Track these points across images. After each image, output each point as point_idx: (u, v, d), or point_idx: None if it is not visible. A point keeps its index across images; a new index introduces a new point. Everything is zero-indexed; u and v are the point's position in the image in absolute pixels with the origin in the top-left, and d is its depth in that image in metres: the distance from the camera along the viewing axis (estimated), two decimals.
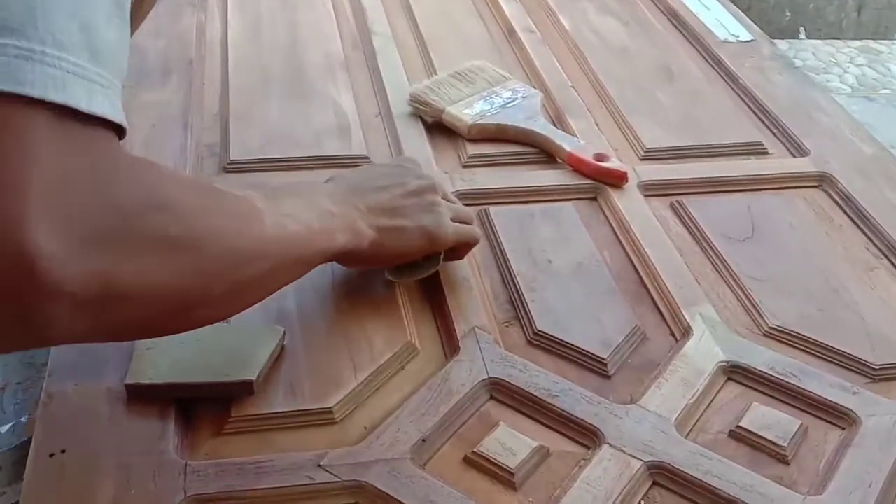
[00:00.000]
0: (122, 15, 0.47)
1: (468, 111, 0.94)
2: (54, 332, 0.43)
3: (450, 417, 0.62)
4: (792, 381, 0.66)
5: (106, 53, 0.45)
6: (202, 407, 0.62)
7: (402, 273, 0.72)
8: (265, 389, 0.63)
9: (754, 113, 1.02)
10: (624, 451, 0.60)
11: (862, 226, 0.84)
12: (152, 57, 1.02)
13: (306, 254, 0.60)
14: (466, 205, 0.84)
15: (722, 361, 0.68)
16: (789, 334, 0.71)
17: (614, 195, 0.85)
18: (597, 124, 0.97)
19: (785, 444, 0.62)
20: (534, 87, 1.02)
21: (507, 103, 0.96)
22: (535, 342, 0.70)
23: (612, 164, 0.88)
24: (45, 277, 0.41)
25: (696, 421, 0.64)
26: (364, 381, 0.64)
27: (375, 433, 0.60)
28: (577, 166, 0.89)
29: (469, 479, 0.59)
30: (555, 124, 0.96)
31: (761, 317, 0.73)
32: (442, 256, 0.72)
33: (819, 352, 0.70)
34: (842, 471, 0.60)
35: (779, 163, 0.93)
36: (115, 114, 0.45)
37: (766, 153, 0.95)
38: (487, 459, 0.59)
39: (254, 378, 0.62)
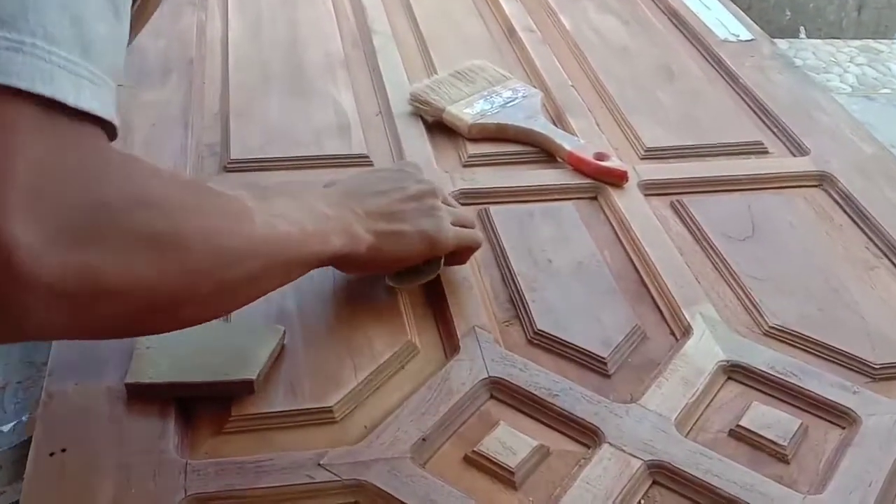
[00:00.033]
0: (117, 13, 0.47)
1: (468, 110, 0.94)
2: (30, 324, 0.43)
3: (450, 416, 0.62)
4: (792, 381, 0.66)
5: (98, 50, 0.45)
6: (202, 406, 0.62)
7: (402, 279, 0.71)
8: (265, 389, 0.63)
9: (754, 112, 1.02)
10: (624, 451, 0.60)
11: (862, 225, 0.84)
12: (152, 56, 1.02)
13: (299, 256, 0.59)
14: (467, 204, 0.84)
15: (722, 361, 0.68)
16: (789, 333, 0.71)
17: (614, 194, 0.85)
18: (597, 124, 0.97)
19: (785, 444, 0.62)
20: (534, 87, 1.02)
21: (508, 103, 0.96)
22: (536, 341, 0.70)
23: (613, 163, 0.88)
24: (21, 268, 0.41)
25: (697, 420, 0.64)
26: (364, 380, 0.64)
27: (375, 432, 0.61)
28: (578, 166, 0.89)
29: (469, 479, 0.59)
30: (555, 124, 0.96)
31: (761, 316, 0.73)
32: (443, 261, 0.71)
33: (819, 351, 0.70)
34: (842, 470, 0.60)
35: (779, 162, 0.93)
36: (104, 110, 0.45)
37: (767, 153, 0.95)
38: (487, 458, 0.59)
39: (254, 377, 0.62)
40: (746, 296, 0.75)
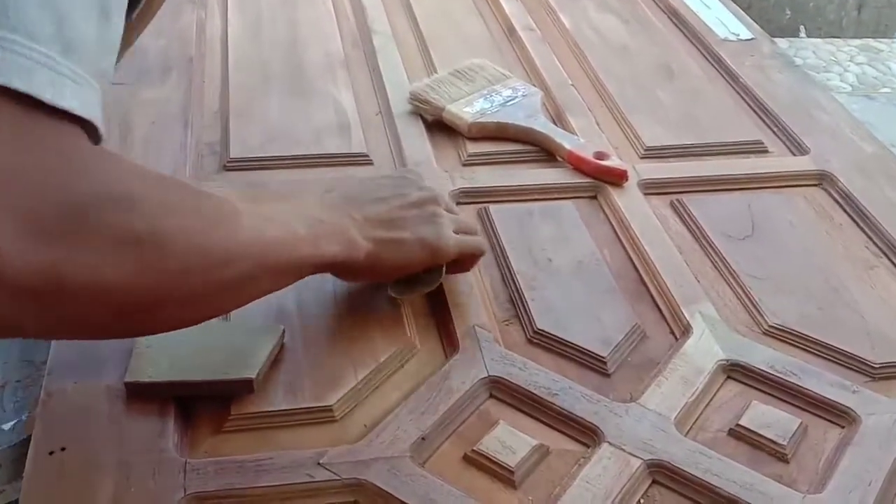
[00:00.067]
0: (106, 15, 0.47)
1: (468, 109, 0.94)
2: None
3: (449, 416, 0.62)
4: (792, 380, 0.66)
5: (81, 50, 0.45)
6: (202, 405, 0.62)
7: (403, 289, 0.70)
8: (265, 388, 0.63)
9: (754, 111, 1.02)
10: (623, 450, 0.60)
11: (862, 224, 0.84)
12: (152, 54, 1.02)
13: (290, 260, 0.58)
14: (466, 203, 0.84)
15: (722, 360, 0.68)
16: (789, 333, 0.71)
17: (614, 194, 0.85)
18: (597, 123, 0.97)
19: (784, 443, 0.62)
20: (534, 86, 1.02)
21: (508, 102, 0.96)
22: (535, 340, 0.70)
23: (612, 162, 0.88)
24: None
25: (696, 419, 0.64)
26: (364, 379, 0.64)
27: (375, 431, 0.61)
28: (578, 165, 0.89)
29: (469, 478, 0.59)
30: (555, 123, 0.96)
31: (761, 315, 0.73)
32: (444, 269, 0.70)
33: (819, 350, 0.70)
34: (841, 469, 0.60)
35: (779, 161, 0.93)
36: (84, 109, 0.44)
37: (767, 152, 0.95)
38: (487, 458, 0.59)
39: (254, 376, 0.62)
40: (746, 295, 0.75)
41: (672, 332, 0.71)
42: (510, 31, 1.16)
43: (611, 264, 0.78)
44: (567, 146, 0.90)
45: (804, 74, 1.15)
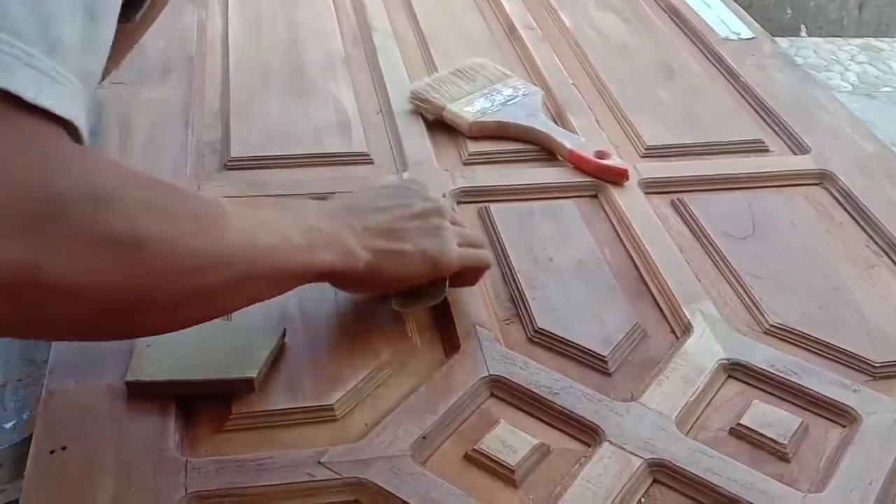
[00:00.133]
0: (93, 16, 0.46)
1: (469, 109, 0.94)
2: None
3: (450, 415, 0.62)
4: (792, 379, 0.66)
5: (65, 49, 0.44)
6: (203, 404, 0.62)
7: (406, 302, 0.69)
8: (266, 387, 0.63)
9: (755, 110, 1.02)
10: (624, 449, 0.60)
11: (863, 223, 0.84)
12: (153, 55, 1.02)
13: (283, 268, 0.57)
14: (467, 203, 0.84)
15: (722, 359, 0.68)
16: (790, 332, 0.71)
17: (615, 193, 0.85)
18: (597, 122, 0.97)
19: (785, 442, 0.62)
20: (534, 85, 1.02)
21: (508, 101, 0.96)
22: (536, 340, 0.70)
23: (613, 161, 0.88)
24: None
25: (697, 418, 0.64)
26: (364, 378, 0.64)
27: (376, 430, 0.61)
28: (578, 164, 0.89)
29: (469, 477, 0.59)
30: (555, 122, 0.96)
31: (762, 314, 0.73)
32: (447, 282, 0.69)
33: (819, 349, 0.70)
34: (842, 468, 0.60)
35: (780, 160, 0.93)
36: (63, 109, 0.44)
37: (767, 151, 0.95)
38: (488, 457, 0.59)
39: (254, 375, 0.62)
40: (747, 294, 0.75)
41: (673, 332, 0.71)
42: (510, 30, 1.16)
43: (611, 263, 0.78)
44: (568, 145, 0.90)
45: (805, 73, 1.15)
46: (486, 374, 0.65)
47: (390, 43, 1.11)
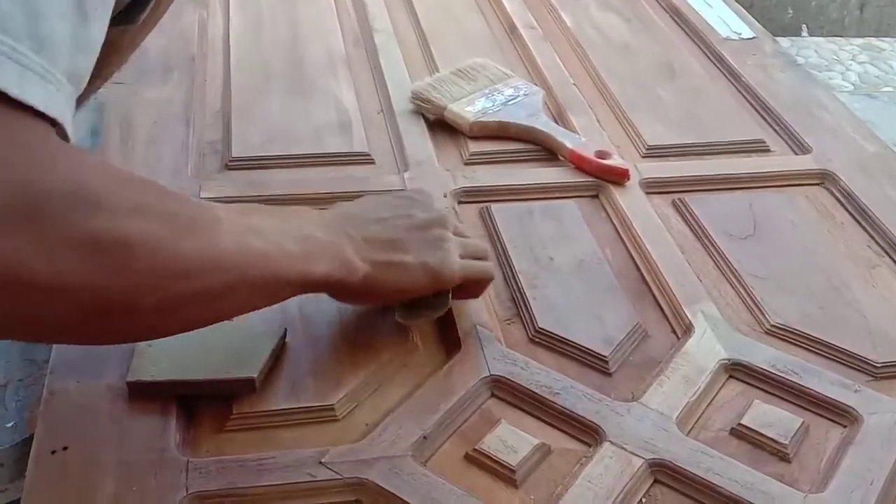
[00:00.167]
0: (84, 15, 0.46)
1: (470, 108, 0.94)
2: None
3: (451, 415, 0.62)
4: (793, 379, 0.66)
5: (53, 47, 0.44)
6: (204, 404, 0.62)
7: (410, 315, 0.68)
8: (267, 387, 0.63)
9: (756, 110, 1.02)
10: (625, 449, 0.60)
11: (864, 224, 0.84)
12: (154, 54, 1.02)
13: (277, 276, 0.56)
14: (468, 203, 0.84)
15: (723, 359, 0.68)
16: (791, 332, 0.71)
17: (616, 193, 0.85)
18: (598, 122, 0.97)
19: (786, 442, 0.62)
20: (535, 85, 1.02)
21: (509, 101, 0.96)
22: (537, 339, 0.70)
23: (614, 161, 0.88)
24: None
25: (698, 418, 0.64)
26: (365, 378, 0.64)
27: (377, 430, 0.61)
28: (579, 164, 0.89)
29: (470, 477, 0.59)
30: (556, 122, 0.96)
31: (763, 314, 0.72)
32: (450, 294, 0.68)
33: (820, 349, 0.70)
34: (843, 469, 0.60)
35: (781, 160, 0.93)
36: (50, 107, 0.44)
37: (768, 151, 0.95)
38: (488, 457, 0.59)
39: (255, 375, 0.62)
40: (748, 294, 0.75)
41: (674, 332, 0.71)
42: (511, 30, 1.16)
43: (612, 263, 0.78)
44: (569, 145, 0.90)
45: (806, 73, 1.15)
46: (487, 374, 0.65)
47: (391, 42, 1.11)
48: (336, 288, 0.61)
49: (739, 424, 0.63)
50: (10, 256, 0.42)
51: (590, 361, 0.68)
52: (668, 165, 0.91)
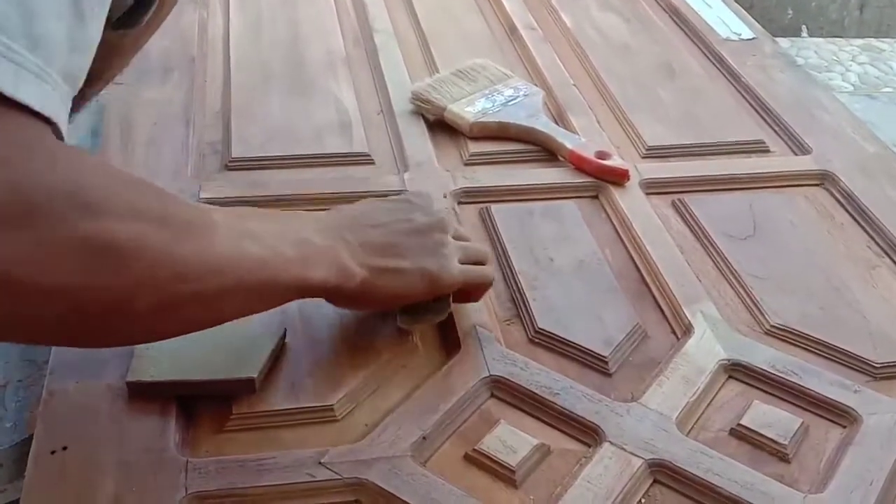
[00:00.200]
0: (80, 15, 0.46)
1: (470, 109, 0.94)
2: None
3: (450, 415, 0.62)
4: (793, 380, 0.66)
5: (49, 46, 0.44)
6: (203, 404, 0.62)
7: (411, 319, 0.68)
8: (266, 387, 0.63)
9: (756, 111, 1.02)
10: (625, 449, 0.60)
11: (864, 224, 0.84)
12: (154, 55, 1.02)
13: (273, 281, 0.55)
14: (468, 203, 0.84)
15: (723, 359, 0.68)
16: (790, 332, 0.71)
17: (616, 193, 0.85)
18: (598, 122, 0.97)
19: (786, 443, 0.62)
20: (535, 85, 1.02)
21: (509, 101, 0.96)
22: (537, 340, 0.70)
23: (614, 162, 0.88)
24: None
25: (697, 419, 0.64)
26: (365, 378, 0.64)
27: (376, 431, 0.61)
28: (579, 164, 0.89)
29: (470, 477, 0.59)
30: (556, 122, 0.96)
31: (762, 315, 0.72)
32: (451, 298, 0.68)
33: (820, 350, 0.70)
34: (843, 469, 0.60)
35: (780, 161, 0.93)
36: (46, 106, 0.43)
37: (768, 151, 0.95)
38: (488, 457, 0.59)
39: (255, 376, 0.62)
40: (747, 294, 0.75)
41: (673, 332, 0.71)
42: (511, 30, 1.16)
43: (612, 264, 0.78)
44: (568, 146, 0.90)
45: (806, 74, 1.15)
46: (487, 375, 0.65)
47: (391, 43, 1.11)
48: (333, 293, 0.61)
49: (739, 425, 0.63)
50: (5, 257, 0.42)
51: (589, 362, 0.68)
52: (668, 166, 0.91)
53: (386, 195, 0.75)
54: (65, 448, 0.58)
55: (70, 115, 0.47)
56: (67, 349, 0.64)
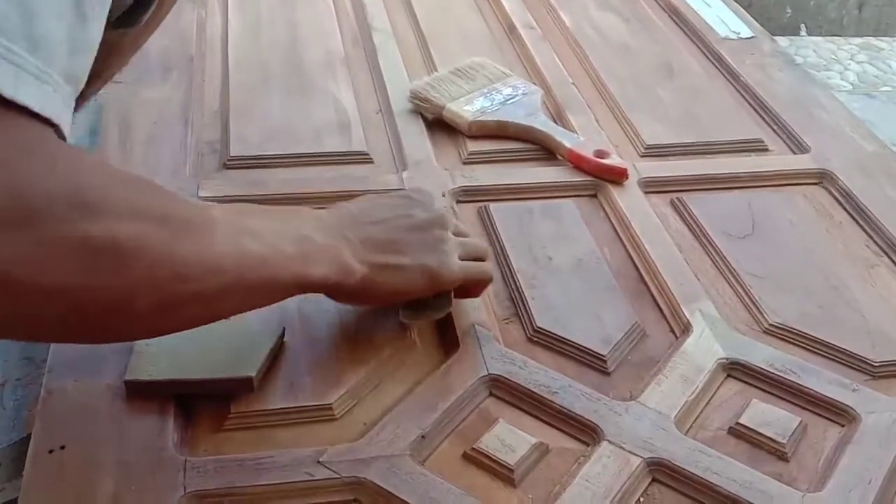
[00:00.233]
0: (82, 16, 0.46)
1: (468, 108, 0.94)
2: None
3: (449, 414, 0.62)
4: (791, 378, 0.66)
5: (49, 48, 0.44)
6: (202, 403, 0.62)
7: (413, 315, 0.68)
8: (265, 386, 0.63)
9: (755, 110, 1.02)
10: (623, 448, 0.60)
11: (862, 223, 0.84)
12: (153, 54, 1.02)
13: (273, 279, 0.55)
14: (467, 202, 0.84)
15: (721, 358, 0.68)
16: (789, 331, 0.71)
17: (614, 192, 0.85)
18: (597, 121, 0.97)
19: (784, 441, 0.62)
20: (534, 84, 1.02)
21: (508, 100, 0.96)
22: (535, 339, 0.70)
23: (613, 160, 0.88)
24: None
25: (696, 418, 0.64)
26: (363, 377, 0.64)
27: (375, 429, 0.60)
28: (578, 163, 0.89)
29: (468, 476, 0.59)
30: (555, 121, 0.96)
31: (761, 314, 0.72)
32: (452, 294, 0.68)
33: (819, 349, 0.70)
34: (841, 468, 0.60)
35: (779, 160, 0.93)
36: (46, 107, 0.43)
37: (767, 150, 0.95)
38: (487, 456, 0.59)
39: (253, 374, 0.62)
40: (746, 293, 0.75)
41: (672, 331, 0.71)
42: (510, 29, 1.16)
43: (611, 263, 0.78)
44: (567, 144, 0.90)
45: (805, 73, 1.15)
46: (485, 374, 0.65)
47: (390, 42, 1.11)
48: (333, 289, 0.61)
49: (737, 423, 0.63)
50: (6, 258, 0.42)
51: (588, 361, 0.68)
52: (667, 165, 0.91)
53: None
54: (63, 447, 0.58)
55: None
56: (66, 348, 0.64)
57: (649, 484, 0.59)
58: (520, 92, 0.98)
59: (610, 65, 1.08)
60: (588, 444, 0.61)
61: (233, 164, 0.87)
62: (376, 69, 1.05)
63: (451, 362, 0.66)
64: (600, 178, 0.87)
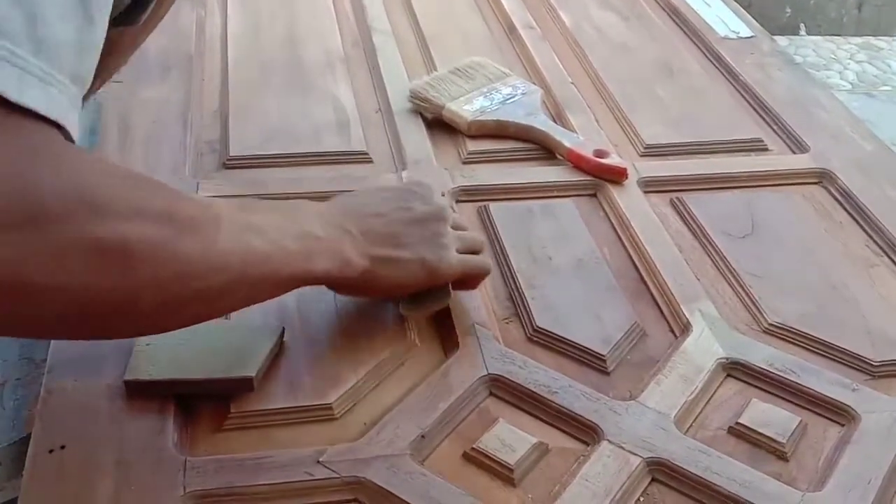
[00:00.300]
0: (89, 18, 0.46)
1: (468, 107, 0.94)
2: None
3: (449, 414, 0.62)
4: (791, 378, 0.66)
5: (53, 49, 0.44)
6: (201, 403, 0.62)
7: (413, 307, 0.68)
8: (265, 386, 0.63)
9: (754, 109, 1.02)
10: (623, 448, 0.60)
11: (862, 223, 0.84)
12: (152, 53, 1.02)
13: (276, 275, 0.56)
14: (466, 202, 0.84)
15: (721, 358, 0.68)
16: (789, 331, 0.71)
17: (614, 192, 0.85)
18: (597, 121, 0.97)
19: (784, 441, 0.62)
20: (534, 84, 1.02)
21: (507, 100, 0.96)
22: (535, 339, 0.70)
23: (612, 160, 0.88)
24: None
25: (696, 417, 0.64)
26: (363, 377, 0.64)
27: (375, 429, 0.60)
28: (577, 163, 0.89)
29: (468, 476, 0.59)
30: (555, 121, 0.96)
31: (761, 313, 0.73)
32: (450, 287, 0.69)
33: (818, 348, 0.70)
34: (841, 467, 0.60)
35: (779, 159, 0.93)
36: (52, 109, 0.44)
37: (766, 150, 0.95)
38: (487, 455, 0.59)
39: (253, 374, 0.62)
40: (746, 293, 0.75)
41: (672, 331, 0.71)
42: (510, 29, 1.16)
43: (610, 262, 0.78)
44: (567, 144, 0.90)
45: (804, 72, 1.15)
46: (485, 373, 0.65)
47: (390, 42, 1.11)
48: (335, 283, 0.63)
49: (737, 423, 0.63)
50: (12, 258, 0.42)
51: (588, 360, 0.68)
52: (667, 164, 0.91)
53: None
54: (63, 447, 0.58)
55: None
56: (66, 348, 0.64)
57: (649, 483, 0.59)
58: (519, 91, 0.98)
59: (609, 64, 1.08)
60: (588, 444, 0.61)
61: (232, 163, 0.87)
62: (376, 69, 1.05)
63: (451, 362, 0.66)
64: (600, 177, 0.87)
